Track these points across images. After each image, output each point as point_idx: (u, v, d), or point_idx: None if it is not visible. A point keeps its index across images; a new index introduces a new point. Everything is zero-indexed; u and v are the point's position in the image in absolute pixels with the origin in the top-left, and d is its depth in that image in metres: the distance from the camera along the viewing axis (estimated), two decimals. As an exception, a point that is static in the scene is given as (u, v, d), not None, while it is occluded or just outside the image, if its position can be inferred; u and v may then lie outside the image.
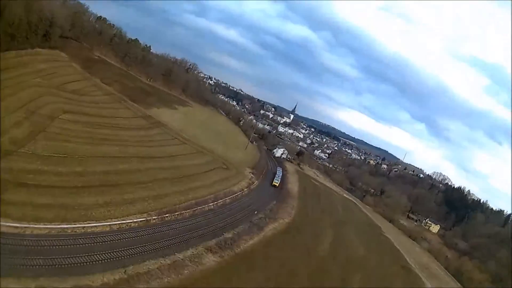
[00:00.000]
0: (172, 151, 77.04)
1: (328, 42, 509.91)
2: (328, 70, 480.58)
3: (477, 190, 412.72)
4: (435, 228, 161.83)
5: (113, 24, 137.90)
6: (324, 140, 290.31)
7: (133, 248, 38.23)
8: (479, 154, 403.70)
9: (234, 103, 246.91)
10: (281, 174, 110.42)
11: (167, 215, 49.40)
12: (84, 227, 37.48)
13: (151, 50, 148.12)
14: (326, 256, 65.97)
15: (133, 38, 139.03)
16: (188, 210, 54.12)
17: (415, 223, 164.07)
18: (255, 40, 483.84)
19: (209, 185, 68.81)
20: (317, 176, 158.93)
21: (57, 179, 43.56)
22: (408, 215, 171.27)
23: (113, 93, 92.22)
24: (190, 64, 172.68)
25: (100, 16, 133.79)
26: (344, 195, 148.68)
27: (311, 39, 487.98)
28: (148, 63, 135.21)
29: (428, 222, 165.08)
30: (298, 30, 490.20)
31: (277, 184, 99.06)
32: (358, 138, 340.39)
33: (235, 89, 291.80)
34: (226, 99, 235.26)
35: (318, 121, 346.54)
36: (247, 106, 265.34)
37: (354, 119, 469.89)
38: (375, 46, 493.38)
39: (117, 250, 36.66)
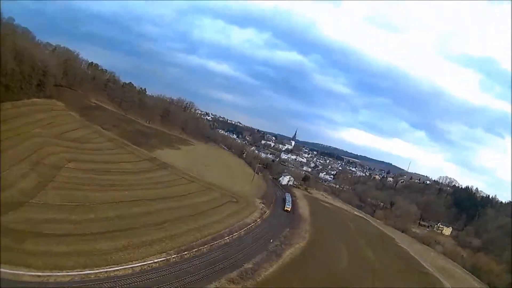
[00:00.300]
0: (181, 190, 76.83)
1: (319, 64, 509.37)
2: (322, 92, 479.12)
3: (484, 186, 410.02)
4: (447, 231, 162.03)
5: (106, 69, 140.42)
6: (328, 161, 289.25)
7: (158, 288, 37.54)
8: (482, 150, 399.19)
9: (235, 136, 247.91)
10: (290, 200, 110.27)
11: (185, 252, 48.95)
12: (106, 271, 37.11)
13: (146, 93, 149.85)
14: (344, 273, 65.60)
15: (127, 82, 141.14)
16: (205, 246, 53.61)
17: (427, 229, 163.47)
18: (247, 71, 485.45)
19: (222, 219, 68.56)
20: (325, 197, 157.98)
21: (72, 227, 43.69)
22: (419, 222, 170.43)
23: (115, 139, 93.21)
24: (187, 103, 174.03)
25: (92, 62, 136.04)
26: (355, 212, 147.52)
27: (301, 63, 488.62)
28: (145, 105, 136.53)
29: (440, 226, 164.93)
30: (288, 56, 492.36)
31: (288, 209, 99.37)
32: (361, 154, 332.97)
33: (233, 122, 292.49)
34: (226, 133, 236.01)
35: (319, 144, 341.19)
36: (247, 138, 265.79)
37: (354, 137, 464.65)
38: (364, 60, 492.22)
39: (143, 291, 36.06)
